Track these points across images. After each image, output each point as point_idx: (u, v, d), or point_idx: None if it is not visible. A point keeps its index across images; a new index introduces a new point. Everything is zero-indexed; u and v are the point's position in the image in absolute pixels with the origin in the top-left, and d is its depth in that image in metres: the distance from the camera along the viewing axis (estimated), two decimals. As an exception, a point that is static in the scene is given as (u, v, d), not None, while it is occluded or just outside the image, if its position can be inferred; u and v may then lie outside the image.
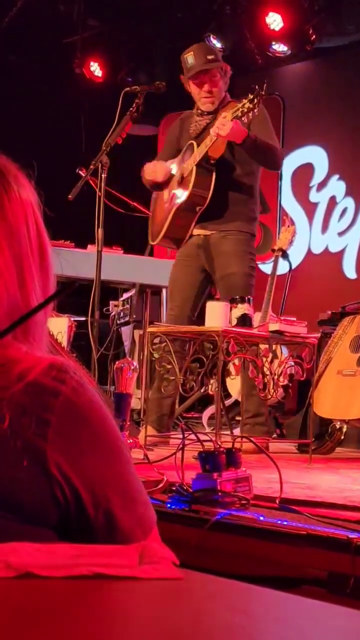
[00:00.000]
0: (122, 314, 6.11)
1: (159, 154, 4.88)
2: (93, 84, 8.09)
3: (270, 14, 7.08)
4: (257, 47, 7.46)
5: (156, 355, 4.24)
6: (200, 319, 4.50)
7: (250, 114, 4.28)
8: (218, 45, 7.38)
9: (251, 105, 4.24)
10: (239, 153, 4.50)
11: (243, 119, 4.31)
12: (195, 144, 4.53)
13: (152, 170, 4.67)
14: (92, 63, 8.13)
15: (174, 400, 4.56)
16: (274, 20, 7.09)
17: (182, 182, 4.56)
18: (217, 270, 4.55)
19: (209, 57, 4.56)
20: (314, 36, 7.06)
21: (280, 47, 7.33)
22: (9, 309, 1.06)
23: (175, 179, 4.64)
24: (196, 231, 4.59)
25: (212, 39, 7.34)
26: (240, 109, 4.26)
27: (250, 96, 4.25)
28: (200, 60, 4.54)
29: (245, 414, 4.51)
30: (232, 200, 4.54)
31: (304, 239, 7.63)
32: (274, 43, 7.30)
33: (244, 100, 4.28)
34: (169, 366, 4.17)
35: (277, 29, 7.12)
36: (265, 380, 4.42)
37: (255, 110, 4.26)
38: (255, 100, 4.23)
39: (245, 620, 0.72)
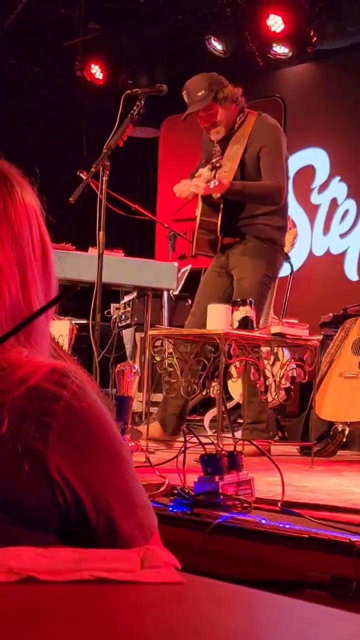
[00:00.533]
0: (123, 316, 6.11)
1: (199, 163, 4.90)
2: (94, 87, 8.10)
3: (271, 16, 7.09)
4: (258, 49, 7.47)
5: (157, 359, 4.23)
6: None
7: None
8: (219, 47, 7.39)
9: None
10: (254, 169, 4.52)
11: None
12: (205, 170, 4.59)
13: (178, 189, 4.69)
14: (93, 66, 8.14)
15: (186, 404, 4.54)
16: (275, 22, 7.10)
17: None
18: (235, 275, 4.59)
19: (199, 93, 4.55)
20: (314, 38, 7.08)
21: (281, 49, 7.34)
22: (11, 311, 1.06)
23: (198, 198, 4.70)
24: (226, 240, 4.62)
25: (212, 41, 7.36)
26: (213, 164, 4.45)
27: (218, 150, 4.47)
28: (191, 99, 4.57)
29: (245, 419, 4.50)
30: (256, 211, 4.55)
31: (305, 241, 7.64)
32: (274, 45, 7.32)
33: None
34: (171, 369, 4.17)
35: (278, 31, 7.13)
36: (267, 383, 4.42)
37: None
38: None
39: (247, 625, 0.72)
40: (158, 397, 4.95)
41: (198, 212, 4.61)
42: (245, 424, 4.48)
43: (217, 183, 4.34)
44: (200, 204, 4.56)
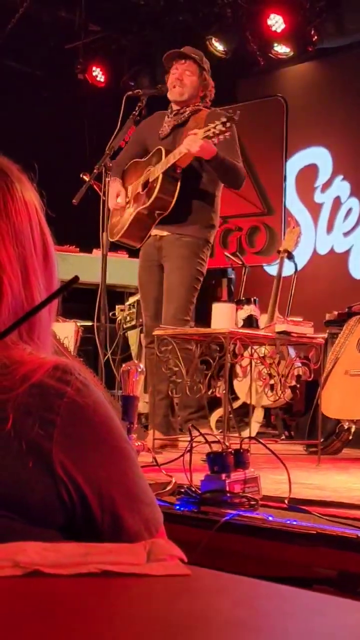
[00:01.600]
0: (128, 318, 6.12)
1: (123, 149, 4.84)
2: (96, 89, 8.11)
3: (272, 15, 7.09)
4: (259, 49, 7.47)
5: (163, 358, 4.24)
6: (201, 321, 4.50)
7: (222, 137, 4.29)
8: (220, 47, 7.39)
9: (223, 129, 4.26)
10: (205, 163, 4.52)
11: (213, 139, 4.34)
12: (163, 150, 4.53)
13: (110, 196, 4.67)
14: (94, 68, 8.15)
15: (172, 400, 4.56)
16: (276, 22, 7.10)
17: (147, 187, 4.57)
18: (166, 269, 4.59)
19: (191, 53, 4.65)
20: (315, 37, 7.07)
21: (282, 49, 7.34)
22: (14, 309, 1.07)
23: (140, 181, 4.65)
24: (154, 231, 4.62)
25: (214, 41, 7.36)
26: (212, 130, 4.29)
27: (224, 119, 4.27)
28: (181, 50, 4.65)
29: (186, 409, 4.46)
30: (193, 206, 4.57)
31: (309, 240, 7.63)
32: (275, 44, 7.32)
33: (216, 122, 4.30)
34: (176, 369, 4.17)
35: (278, 30, 7.13)
36: (273, 382, 4.42)
37: (227, 134, 4.28)
38: (228, 125, 4.25)
39: (254, 615, 0.72)
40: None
41: (153, 190, 4.51)
42: (188, 414, 4.43)
43: (203, 144, 4.28)
44: (159, 178, 4.49)
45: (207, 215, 4.62)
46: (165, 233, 4.59)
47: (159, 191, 4.47)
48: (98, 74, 8.15)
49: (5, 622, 0.66)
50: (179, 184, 4.48)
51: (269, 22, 7.12)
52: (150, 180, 4.56)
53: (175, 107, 4.66)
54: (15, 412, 0.98)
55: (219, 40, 7.38)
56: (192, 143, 4.30)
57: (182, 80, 4.58)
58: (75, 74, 7.97)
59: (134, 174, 4.73)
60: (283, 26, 7.08)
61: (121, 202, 4.70)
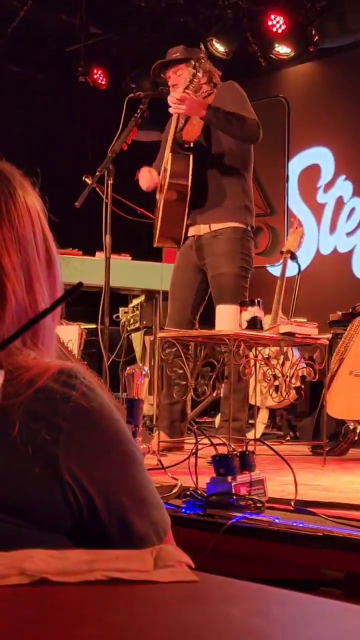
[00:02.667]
0: (132, 320, 6.12)
1: (155, 162, 4.83)
2: (97, 92, 8.11)
3: (272, 16, 7.09)
4: (260, 49, 7.47)
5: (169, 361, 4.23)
6: (205, 323, 4.48)
7: (196, 79, 4.22)
8: (221, 49, 7.39)
9: (194, 71, 4.21)
10: (218, 142, 4.44)
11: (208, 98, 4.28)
12: (173, 136, 4.51)
13: (142, 179, 4.62)
14: (95, 71, 8.15)
15: (185, 405, 4.54)
16: (276, 23, 7.10)
17: (165, 173, 4.53)
18: (209, 271, 4.50)
19: (174, 55, 4.58)
20: (316, 37, 7.07)
21: (283, 49, 7.34)
22: (18, 315, 1.06)
23: (161, 176, 4.61)
24: (190, 231, 4.54)
25: (215, 43, 7.36)
26: (189, 79, 4.23)
27: (192, 62, 4.23)
28: (166, 59, 4.61)
29: (222, 416, 4.43)
30: (222, 193, 4.45)
31: (312, 240, 7.63)
32: (276, 45, 7.32)
33: (190, 68, 4.27)
34: (181, 371, 4.16)
35: (279, 31, 7.13)
36: (277, 383, 4.41)
37: (199, 74, 4.20)
38: (197, 65, 4.19)
39: (263, 622, 0.71)
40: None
41: (160, 193, 4.46)
42: (222, 421, 4.39)
43: (189, 98, 4.23)
44: (169, 159, 4.42)
45: (240, 201, 4.49)
46: (201, 232, 4.49)
47: (171, 175, 4.40)
48: (99, 76, 8.16)
49: (13, 630, 0.66)
50: (190, 159, 4.38)
51: (270, 22, 7.12)
52: (166, 167, 4.52)
53: None
54: (21, 418, 0.97)
55: (220, 41, 7.38)
56: (176, 103, 4.26)
57: (176, 84, 4.55)
58: (77, 77, 7.97)
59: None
60: (284, 27, 7.09)
61: (155, 178, 4.58)
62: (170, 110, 4.34)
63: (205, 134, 4.46)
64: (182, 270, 4.60)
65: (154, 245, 4.74)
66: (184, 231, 4.52)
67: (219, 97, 4.47)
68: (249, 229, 4.53)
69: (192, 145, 4.43)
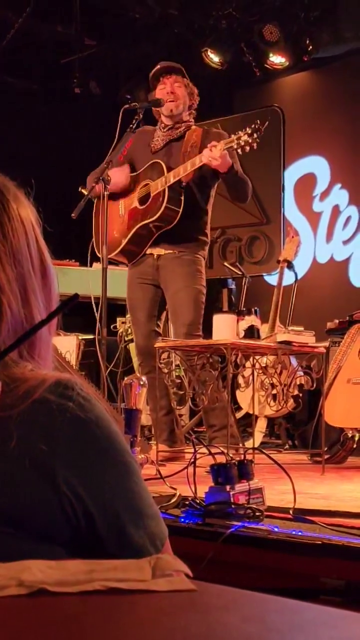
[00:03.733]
0: (129, 330, 6.11)
1: (111, 160, 4.74)
2: (92, 103, 8.13)
3: (266, 26, 7.11)
4: (255, 59, 7.49)
5: (165, 371, 4.23)
6: (203, 332, 4.49)
7: (247, 148, 4.29)
8: (215, 59, 7.41)
9: (249, 140, 4.26)
10: (199, 179, 4.53)
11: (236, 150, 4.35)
12: (163, 164, 4.53)
13: (116, 181, 4.60)
14: (91, 82, 8.17)
15: (175, 414, 4.56)
16: (270, 33, 7.12)
17: (149, 201, 4.55)
18: (169, 289, 4.58)
19: (175, 66, 4.68)
20: (310, 46, 7.09)
21: (277, 59, 7.35)
22: (14, 328, 1.06)
23: (136, 194, 4.64)
24: (150, 250, 4.61)
25: (209, 53, 7.38)
26: (237, 142, 4.28)
27: (249, 130, 4.27)
28: (164, 64, 4.69)
29: (210, 429, 4.45)
30: (189, 225, 4.56)
31: (308, 249, 7.64)
32: (271, 55, 7.33)
33: (240, 133, 4.30)
34: (179, 381, 4.17)
35: (273, 40, 7.15)
36: (275, 392, 4.41)
37: (255, 145, 4.27)
38: (255, 135, 4.24)
39: (261, 630, 0.71)
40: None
41: (158, 203, 4.49)
42: (212, 432, 4.42)
43: (224, 155, 4.28)
44: (165, 191, 4.48)
45: (203, 233, 4.63)
46: (163, 252, 4.58)
47: (164, 209, 4.47)
48: (95, 87, 8.18)
49: (11, 642, 0.66)
50: (182, 197, 4.48)
51: (264, 32, 7.14)
52: (152, 194, 4.55)
53: (167, 122, 4.66)
54: (18, 429, 0.98)
55: (215, 52, 7.41)
56: (214, 158, 4.29)
57: (174, 92, 4.59)
58: (72, 88, 7.99)
59: (125, 184, 4.71)
60: (278, 36, 7.10)
61: (125, 180, 4.63)
62: (203, 158, 4.36)
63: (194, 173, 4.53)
64: (140, 285, 4.67)
65: (100, 256, 4.70)
66: (143, 252, 4.63)
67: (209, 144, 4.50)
68: (205, 258, 4.68)
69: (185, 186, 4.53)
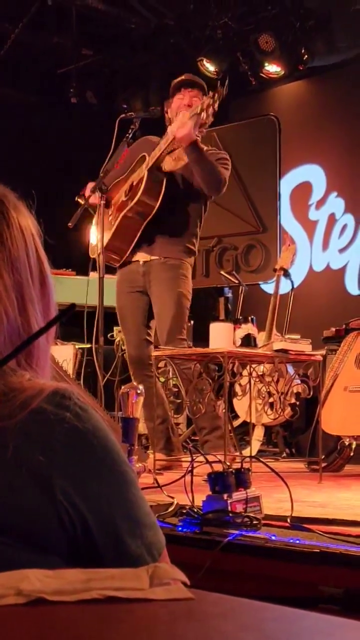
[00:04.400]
0: (126, 339, 6.11)
1: (108, 170, 4.68)
2: (89, 113, 8.14)
3: (262, 35, 7.13)
4: (250, 69, 7.51)
5: (162, 380, 4.23)
6: (199, 340, 4.50)
7: (210, 110, 4.28)
8: (211, 69, 7.43)
9: (211, 101, 4.26)
10: (188, 185, 4.54)
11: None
12: (147, 155, 4.54)
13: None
14: (87, 92, 8.19)
15: (171, 422, 4.56)
16: (266, 42, 7.14)
17: (131, 192, 4.56)
18: (153, 293, 4.58)
19: (198, 82, 4.68)
20: (306, 56, 7.12)
21: (273, 68, 7.38)
22: (10, 336, 1.06)
23: (122, 191, 4.65)
24: (137, 257, 4.60)
25: (205, 62, 7.40)
26: (200, 106, 4.29)
27: (210, 92, 4.29)
28: (187, 77, 4.69)
29: (201, 432, 4.43)
30: (176, 231, 4.56)
31: (305, 257, 7.65)
32: (266, 64, 7.36)
33: (203, 97, 4.33)
34: (175, 389, 4.17)
35: (268, 50, 7.17)
36: (272, 400, 4.42)
37: (216, 106, 4.27)
38: (216, 96, 4.25)
39: (258, 638, 0.71)
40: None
41: (137, 191, 4.48)
42: (203, 436, 4.40)
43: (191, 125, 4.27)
44: (144, 177, 4.47)
45: (190, 241, 4.62)
46: (149, 258, 4.58)
47: (143, 192, 4.44)
48: (91, 97, 8.20)
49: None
50: (163, 183, 4.45)
51: (260, 42, 7.16)
52: (134, 183, 4.56)
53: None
54: (15, 439, 0.98)
55: (210, 61, 7.43)
56: (180, 125, 4.29)
57: (191, 105, 4.57)
58: (69, 98, 8.01)
59: (117, 190, 4.73)
60: (273, 46, 7.13)
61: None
62: (170, 129, 4.37)
63: (182, 174, 4.52)
64: (129, 293, 4.66)
65: (92, 256, 4.72)
66: (131, 246, 4.57)
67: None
68: (191, 265, 4.68)
69: (166, 174, 4.50)
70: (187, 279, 4.58)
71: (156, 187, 4.46)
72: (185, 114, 4.35)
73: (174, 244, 4.56)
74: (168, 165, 4.50)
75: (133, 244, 4.57)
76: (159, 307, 4.53)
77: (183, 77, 4.70)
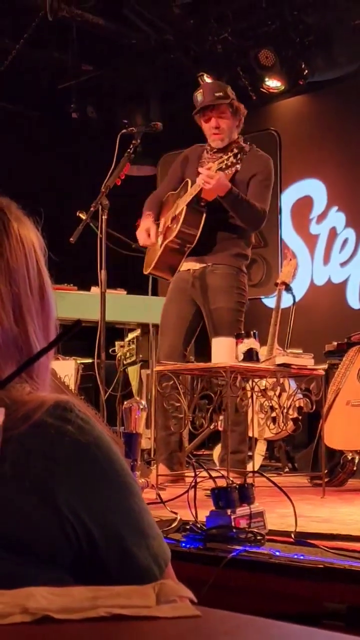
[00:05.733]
0: (128, 354, 6.12)
1: (162, 184, 4.87)
2: (90, 128, 8.17)
3: (262, 50, 7.16)
4: (251, 84, 7.54)
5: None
6: (201, 355, 4.49)
7: (234, 169, 4.32)
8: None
9: (235, 160, 4.28)
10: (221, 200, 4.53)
11: (240, 174, 4.38)
12: (189, 182, 4.55)
13: (140, 236, 4.73)
14: (88, 107, 8.22)
15: (181, 436, 4.54)
16: (266, 57, 7.17)
17: (175, 219, 4.59)
18: (205, 305, 4.55)
19: (217, 94, 4.63)
20: (306, 71, 7.15)
21: (273, 83, 7.40)
22: (6, 343, 1.06)
23: (170, 214, 4.67)
24: (186, 265, 4.60)
25: (205, 78, 7.43)
26: (225, 162, 4.31)
27: (235, 151, 4.30)
28: (208, 97, 4.62)
29: (224, 449, 4.43)
30: (223, 238, 4.56)
31: (306, 271, 7.65)
32: (266, 79, 7.38)
33: (229, 153, 4.33)
34: (178, 404, 4.16)
35: (269, 65, 7.20)
36: (274, 414, 4.41)
37: (238, 167, 4.31)
38: (239, 156, 4.28)
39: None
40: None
41: (177, 223, 4.52)
42: (224, 454, 4.38)
43: (219, 178, 4.29)
44: (183, 210, 4.51)
45: (238, 246, 4.60)
46: (197, 266, 4.57)
47: (182, 224, 4.48)
48: (91, 112, 8.22)
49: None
50: (203, 216, 4.47)
51: (260, 57, 7.19)
52: (177, 213, 4.58)
53: (215, 146, 4.67)
54: (17, 453, 0.97)
55: (210, 76, 7.46)
56: (209, 179, 4.31)
57: (219, 127, 4.58)
58: (69, 114, 8.04)
59: (168, 206, 4.75)
60: (273, 61, 7.16)
61: (152, 238, 4.67)
62: (197, 180, 4.39)
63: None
64: (176, 302, 4.63)
65: (144, 273, 4.79)
66: (178, 267, 4.60)
67: (249, 166, 4.51)
68: (244, 270, 4.65)
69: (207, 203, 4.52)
70: (237, 288, 4.56)
71: (196, 219, 4.50)
72: (212, 167, 4.35)
73: (221, 252, 4.55)
74: (209, 194, 4.47)
75: (180, 264, 4.60)
76: (214, 322, 4.49)
77: (204, 100, 4.63)
